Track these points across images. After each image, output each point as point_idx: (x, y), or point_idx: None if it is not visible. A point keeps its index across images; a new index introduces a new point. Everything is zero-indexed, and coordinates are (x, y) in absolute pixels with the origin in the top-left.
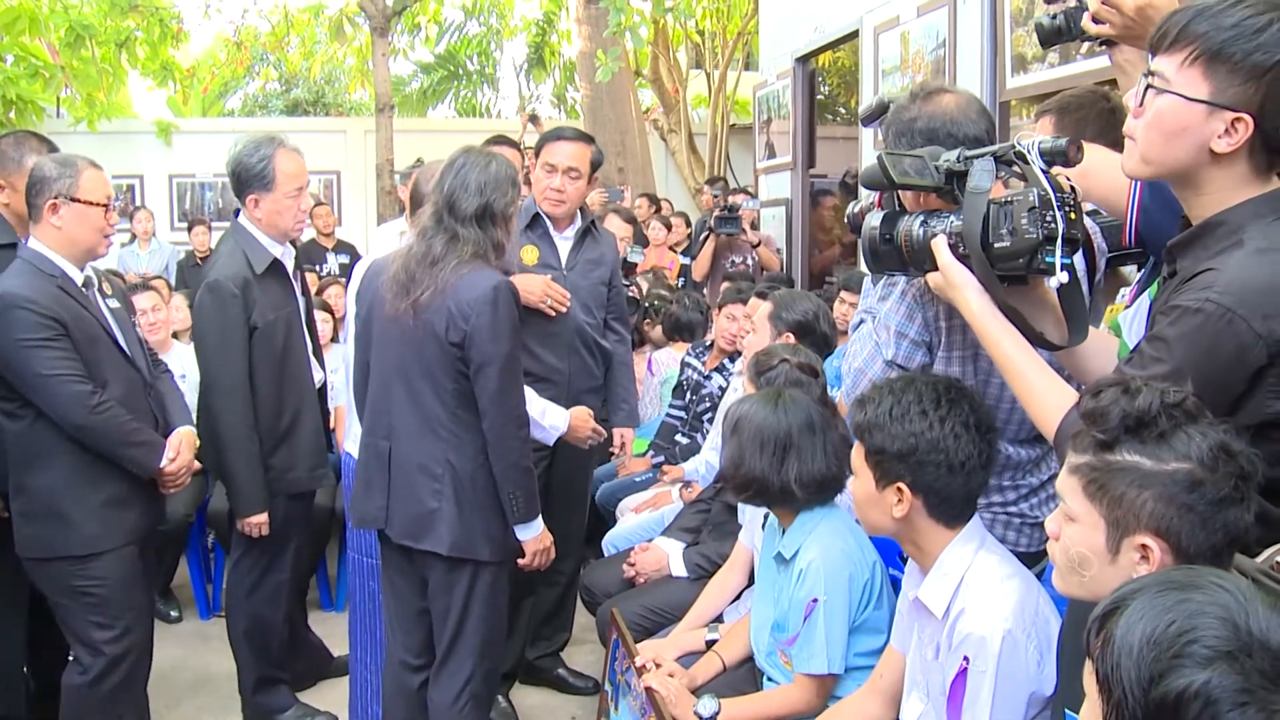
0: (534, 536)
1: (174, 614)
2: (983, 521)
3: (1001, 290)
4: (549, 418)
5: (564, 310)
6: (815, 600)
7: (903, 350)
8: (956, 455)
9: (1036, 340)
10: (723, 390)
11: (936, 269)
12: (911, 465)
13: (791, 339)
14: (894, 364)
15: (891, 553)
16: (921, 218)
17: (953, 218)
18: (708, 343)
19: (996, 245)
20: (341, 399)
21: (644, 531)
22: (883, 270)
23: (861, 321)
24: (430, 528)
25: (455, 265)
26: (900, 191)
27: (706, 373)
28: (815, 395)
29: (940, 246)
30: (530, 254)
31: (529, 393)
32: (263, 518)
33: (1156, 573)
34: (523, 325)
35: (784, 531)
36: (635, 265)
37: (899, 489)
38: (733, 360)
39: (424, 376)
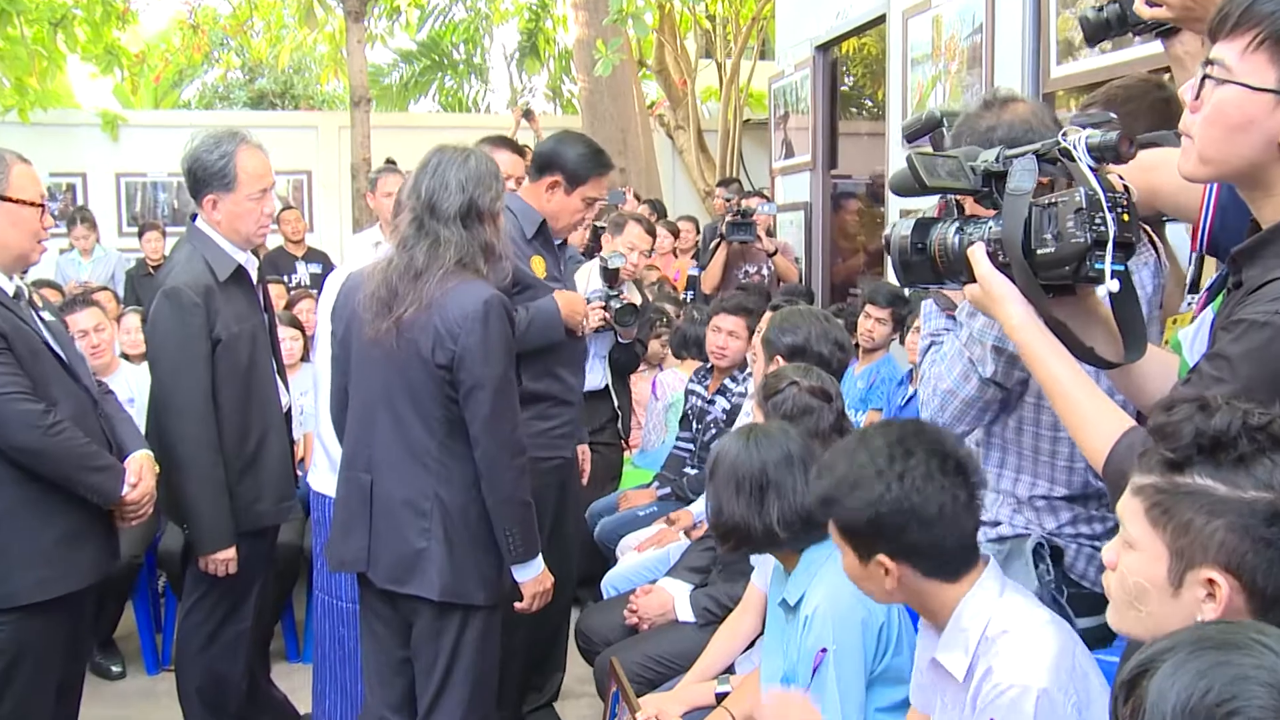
0: (533, 577)
1: (116, 669)
2: (1067, 554)
3: (1046, 301)
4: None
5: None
6: (824, 651)
7: (1001, 366)
8: (927, 509)
9: (1086, 357)
10: (727, 413)
11: (974, 280)
12: (884, 533)
13: (781, 362)
14: (992, 381)
15: None
16: (957, 224)
17: (991, 223)
18: (710, 365)
19: (1039, 252)
20: (309, 425)
21: (647, 572)
22: (914, 283)
23: (932, 345)
24: (417, 570)
25: (441, 277)
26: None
27: (709, 396)
28: (828, 422)
29: (978, 255)
30: (539, 265)
31: None
32: (229, 553)
33: (1190, 628)
34: (551, 347)
35: (788, 575)
36: (617, 271)
37: (881, 561)
38: (735, 379)
39: (409, 402)
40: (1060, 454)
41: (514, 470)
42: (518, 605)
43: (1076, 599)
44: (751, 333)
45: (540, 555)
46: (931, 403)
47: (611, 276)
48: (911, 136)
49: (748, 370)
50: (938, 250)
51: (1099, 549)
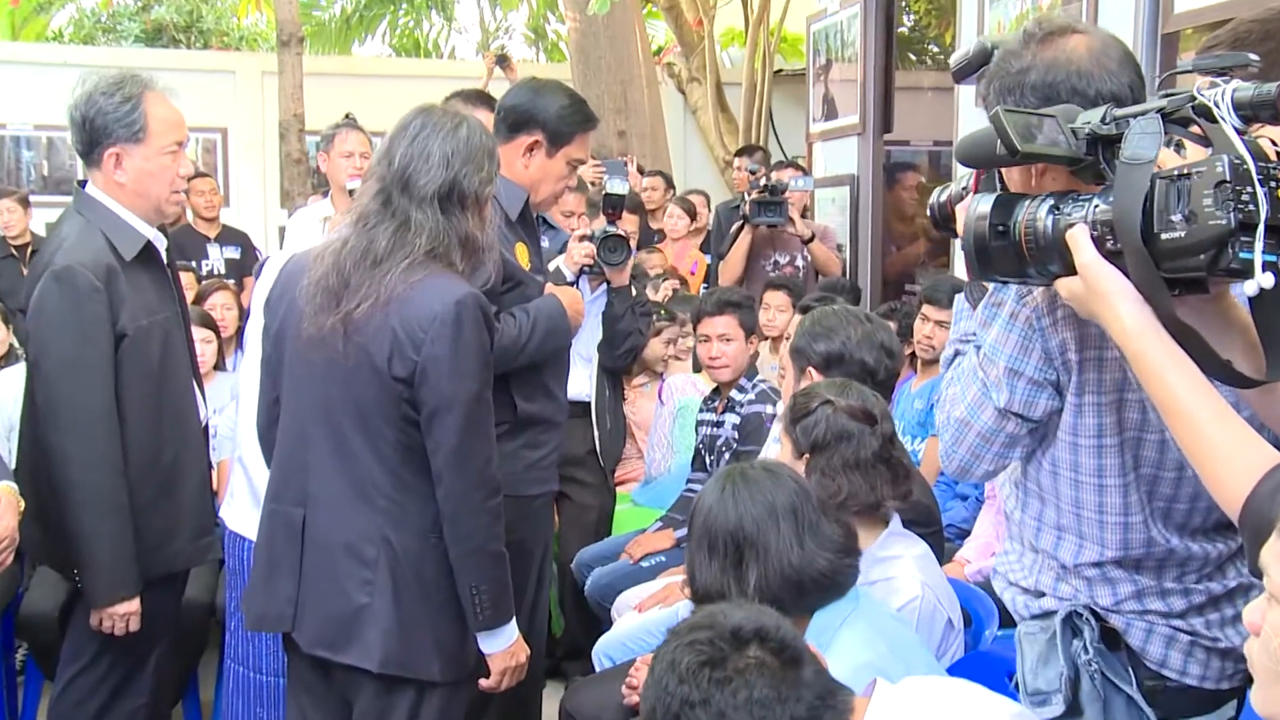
0: (503, 649)
1: None
2: (1133, 636)
3: (1169, 300)
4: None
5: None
6: None
7: (1020, 393)
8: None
9: (1218, 372)
10: (739, 429)
11: (1072, 272)
12: None
13: (815, 375)
14: (1009, 412)
15: (998, 672)
16: (1051, 201)
17: (1097, 200)
18: (715, 386)
19: (1165, 236)
20: (225, 449)
21: (650, 638)
22: (992, 275)
23: (957, 354)
24: (357, 633)
25: (406, 268)
26: (1006, 169)
27: (718, 418)
28: (871, 450)
29: (1080, 240)
30: (523, 254)
31: None
32: (133, 605)
33: None
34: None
35: None
36: (622, 199)
37: None
38: (742, 388)
39: (356, 422)
40: (1110, 507)
41: (486, 514)
42: (483, 683)
43: (1162, 694)
44: (748, 331)
45: (514, 621)
46: (945, 434)
47: (614, 206)
48: (960, 74)
49: (758, 378)
50: (1024, 233)
51: (1181, 629)
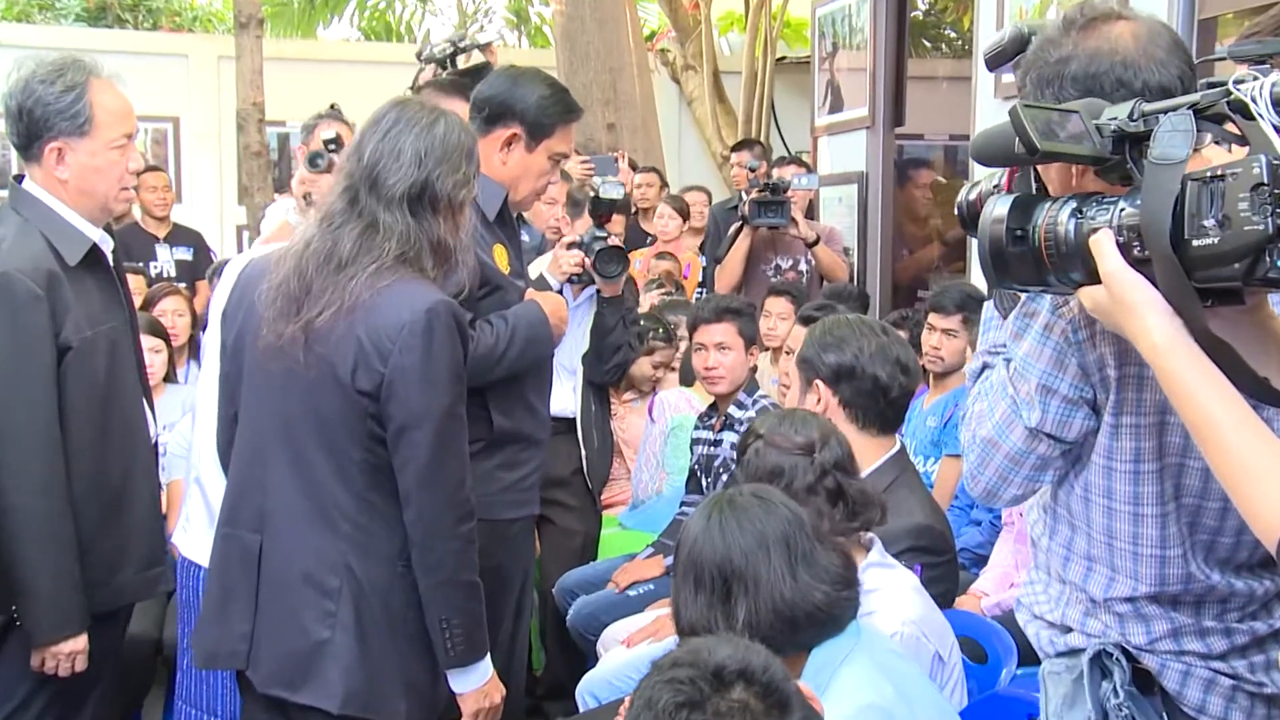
0: (476, 688)
1: None
2: (1169, 679)
3: (1202, 312)
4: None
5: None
6: None
7: (1053, 412)
8: None
9: (1254, 390)
10: (736, 449)
11: (1096, 280)
12: None
13: (824, 389)
14: (1040, 433)
15: (1017, 715)
16: (1073, 204)
17: (1123, 203)
18: (712, 401)
19: (1197, 243)
20: (178, 469)
21: (640, 673)
22: (1009, 283)
23: (985, 367)
24: (316, 670)
25: (373, 273)
26: (1044, 166)
27: (716, 436)
28: (804, 482)
29: (1104, 246)
30: (501, 256)
31: None
32: (79, 642)
33: None
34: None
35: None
36: (613, 204)
37: None
38: (741, 404)
39: (317, 440)
40: (1145, 538)
41: (458, 540)
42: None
43: None
44: (748, 341)
45: (489, 657)
46: (970, 455)
47: (605, 212)
48: (994, 62)
49: (759, 392)
50: (1044, 239)
51: (1222, 672)
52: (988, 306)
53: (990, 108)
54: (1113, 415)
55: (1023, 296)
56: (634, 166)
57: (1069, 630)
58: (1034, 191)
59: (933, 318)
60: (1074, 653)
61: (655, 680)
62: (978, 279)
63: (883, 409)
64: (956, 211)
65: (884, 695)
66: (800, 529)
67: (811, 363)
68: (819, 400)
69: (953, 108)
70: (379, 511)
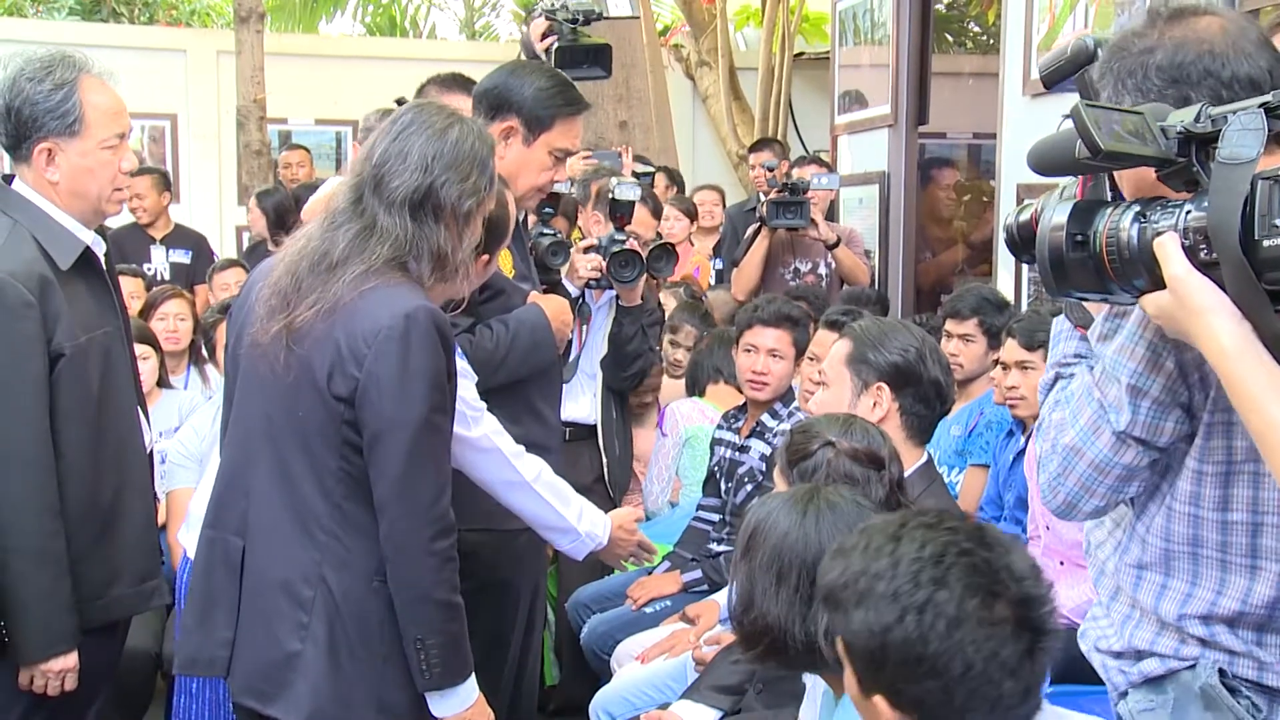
0: (457, 713)
1: None
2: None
3: (1273, 316)
4: (584, 522)
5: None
6: None
7: (1144, 415)
8: (948, 663)
9: None
10: (766, 460)
11: (1160, 286)
12: (886, 673)
13: (886, 393)
14: (1129, 436)
15: None
16: (1135, 209)
17: (1189, 206)
18: (743, 403)
19: (1268, 244)
20: (177, 480)
21: (655, 692)
22: (1070, 291)
23: (1057, 378)
24: (286, 682)
25: (359, 275)
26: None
27: (741, 442)
28: (878, 497)
29: (1170, 250)
30: (505, 259)
31: (536, 463)
32: (69, 660)
33: None
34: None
35: (838, 702)
36: (631, 205)
37: (877, 704)
38: (775, 414)
39: (297, 445)
40: (1235, 546)
41: (433, 557)
42: None
43: None
44: (800, 352)
45: (471, 680)
46: (1050, 464)
47: (623, 213)
48: (1053, 80)
49: (794, 404)
50: (1105, 244)
51: None
52: (1057, 321)
53: (1018, 105)
54: (1211, 414)
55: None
56: (644, 163)
57: (1141, 655)
58: (1109, 199)
59: (949, 324)
60: (1155, 682)
61: (937, 535)
62: (1003, 283)
63: (936, 418)
64: (1005, 235)
65: None
66: None
67: (872, 364)
68: (875, 406)
69: (978, 105)
70: (355, 523)
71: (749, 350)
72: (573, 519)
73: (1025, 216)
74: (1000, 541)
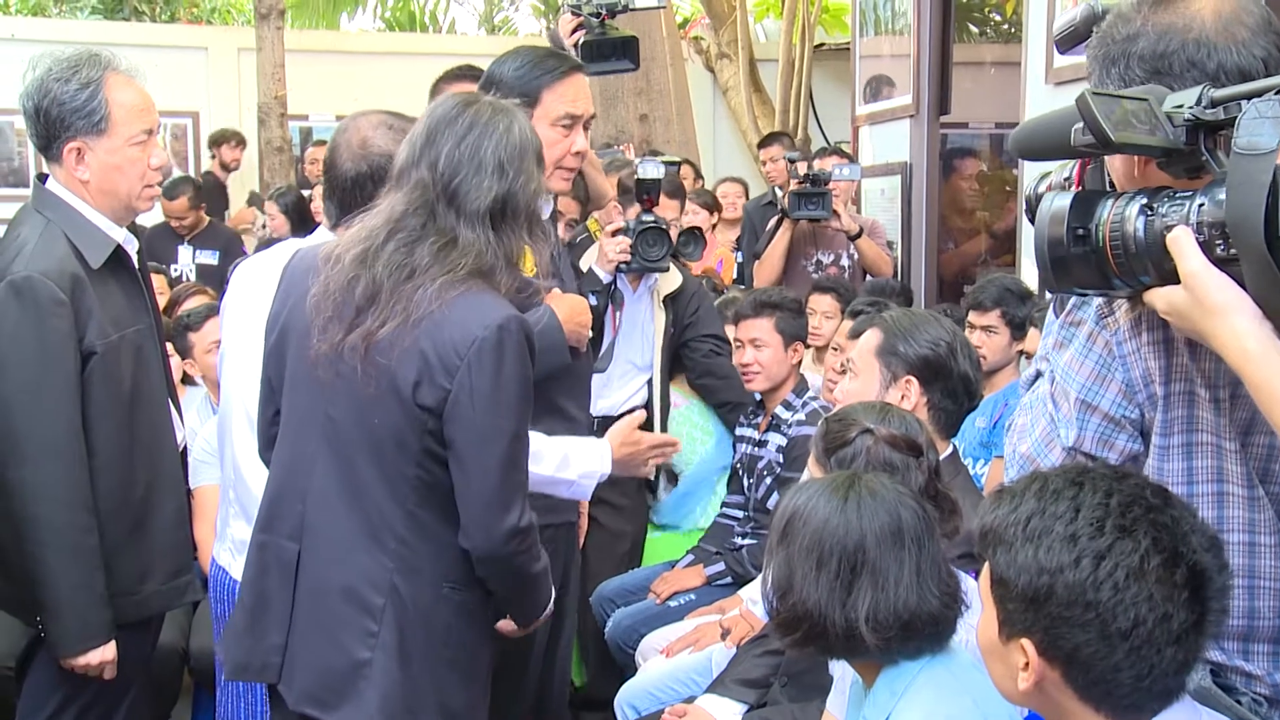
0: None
1: None
2: None
3: None
4: (574, 466)
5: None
6: None
7: (1092, 431)
8: (1116, 616)
9: None
10: (784, 452)
11: (1169, 282)
12: (1044, 617)
13: (915, 387)
14: (1078, 453)
15: None
16: (1142, 200)
17: (1201, 198)
18: (759, 399)
19: None
20: (203, 476)
21: (680, 686)
22: (1070, 288)
23: (1039, 375)
24: (354, 691)
25: (443, 285)
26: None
27: (760, 437)
28: (917, 484)
29: (1184, 245)
30: (527, 259)
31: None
32: (107, 651)
33: None
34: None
35: (868, 692)
36: (658, 183)
37: (1023, 647)
38: (789, 405)
39: (369, 453)
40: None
41: (525, 555)
42: (501, 625)
43: None
44: (789, 338)
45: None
46: (1010, 470)
47: (648, 193)
48: (1068, 44)
49: (809, 394)
50: (1109, 238)
51: None
52: (1050, 313)
53: (1041, 94)
54: (1161, 436)
55: (1070, 302)
56: (655, 153)
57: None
58: (1104, 185)
59: (972, 315)
60: (1269, 703)
61: (1111, 486)
62: (1027, 273)
63: (963, 413)
64: (1024, 206)
65: (962, 707)
66: (930, 530)
67: (901, 356)
68: (903, 399)
69: (1000, 95)
70: (429, 530)
71: (738, 345)
72: (552, 471)
73: (1043, 188)
74: (1186, 507)
